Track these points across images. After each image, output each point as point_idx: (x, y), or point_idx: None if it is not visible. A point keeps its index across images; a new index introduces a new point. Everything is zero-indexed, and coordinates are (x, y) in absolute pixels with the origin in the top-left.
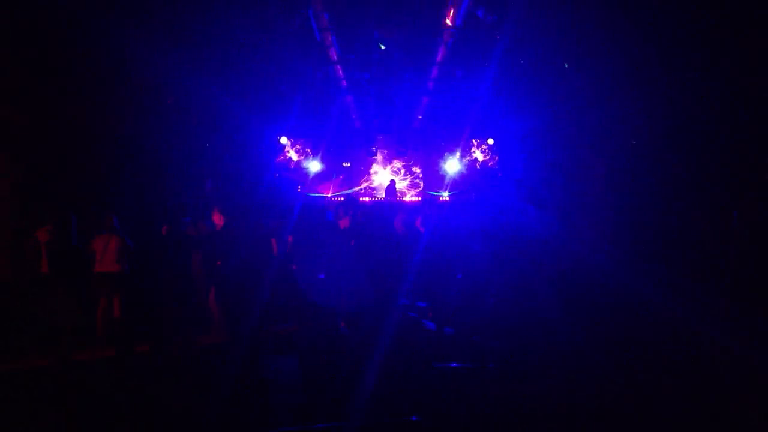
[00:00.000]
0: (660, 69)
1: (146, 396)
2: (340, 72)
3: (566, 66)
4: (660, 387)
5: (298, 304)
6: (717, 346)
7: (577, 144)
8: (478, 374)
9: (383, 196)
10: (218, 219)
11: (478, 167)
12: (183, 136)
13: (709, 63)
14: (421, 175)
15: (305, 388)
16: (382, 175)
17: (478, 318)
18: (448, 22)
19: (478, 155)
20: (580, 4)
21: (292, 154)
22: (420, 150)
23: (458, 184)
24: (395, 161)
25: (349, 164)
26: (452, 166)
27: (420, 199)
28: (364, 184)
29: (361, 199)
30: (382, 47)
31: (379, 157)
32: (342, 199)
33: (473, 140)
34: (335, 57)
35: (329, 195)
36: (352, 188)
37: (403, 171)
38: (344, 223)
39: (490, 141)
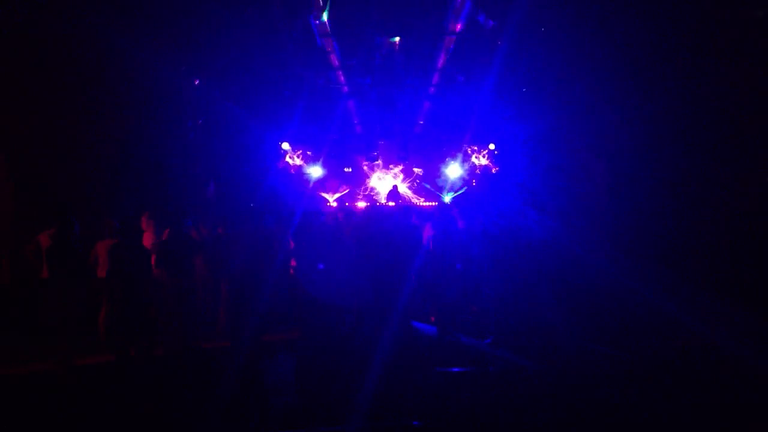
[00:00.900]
0: (661, 72)
1: (146, 400)
2: (342, 77)
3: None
4: (661, 390)
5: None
6: (718, 347)
7: (578, 147)
8: (480, 378)
9: (384, 201)
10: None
11: (479, 171)
12: (185, 141)
13: (709, 66)
14: (421, 180)
15: (306, 391)
16: (383, 180)
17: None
18: (450, 27)
19: (480, 159)
20: (580, 9)
21: (294, 159)
22: (421, 154)
23: (460, 188)
24: (397, 166)
25: (350, 169)
26: (453, 170)
27: (420, 202)
28: (366, 189)
29: (361, 204)
30: (396, 39)
31: (380, 162)
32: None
33: (474, 145)
34: (336, 63)
35: (331, 200)
36: (353, 193)
37: (405, 176)
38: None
39: (491, 146)
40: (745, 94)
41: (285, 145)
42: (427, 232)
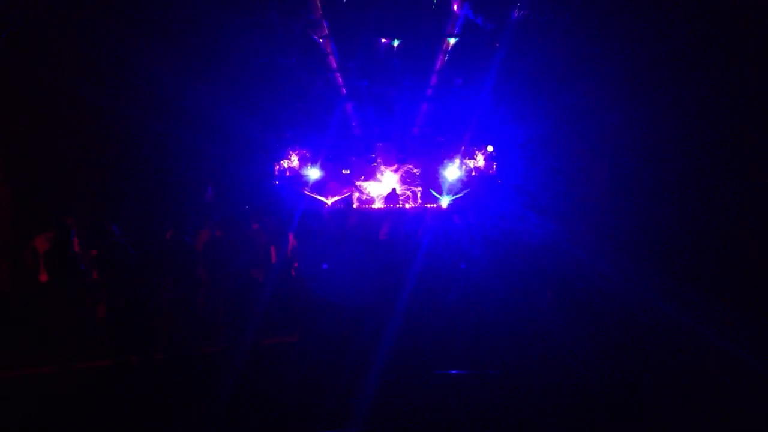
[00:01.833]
0: (660, 75)
1: (146, 404)
2: (340, 80)
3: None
4: (661, 392)
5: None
6: (718, 350)
7: (577, 150)
8: (479, 381)
9: (382, 203)
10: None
11: (478, 174)
12: (184, 144)
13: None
14: (420, 182)
15: (305, 394)
16: (382, 183)
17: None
18: (448, 29)
19: (478, 161)
20: (579, 11)
21: (293, 161)
22: (420, 157)
23: (458, 191)
24: (395, 168)
25: (348, 171)
26: (452, 172)
27: (419, 205)
28: (364, 191)
29: (358, 206)
30: (395, 43)
31: (378, 164)
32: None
33: (473, 147)
34: (335, 65)
35: (329, 202)
36: (351, 195)
37: (403, 178)
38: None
39: (490, 148)
40: (745, 96)
41: (283, 147)
42: (426, 235)
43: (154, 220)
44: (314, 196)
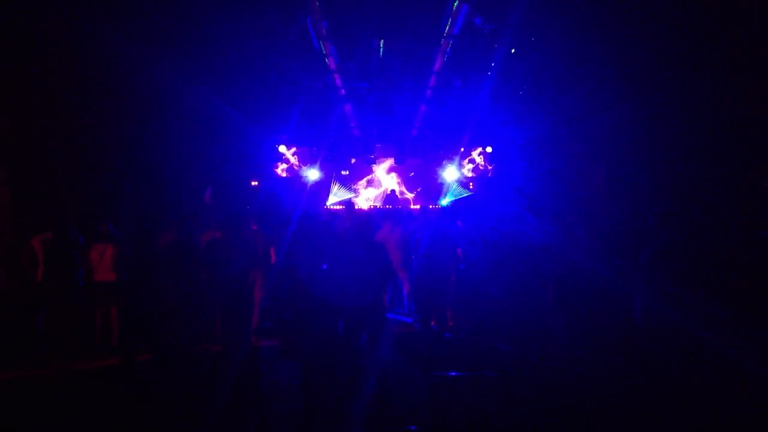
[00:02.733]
0: (658, 77)
1: (145, 405)
2: (339, 81)
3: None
4: (659, 393)
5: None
6: (716, 351)
7: (576, 152)
8: (477, 383)
9: (381, 204)
10: None
11: (476, 175)
12: (182, 144)
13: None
14: (418, 184)
15: (303, 396)
16: (381, 184)
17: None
18: (446, 30)
19: (477, 163)
20: (578, 13)
21: (291, 161)
22: (419, 158)
23: (457, 193)
24: (394, 169)
25: (347, 172)
26: (451, 174)
27: (418, 206)
28: (363, 193)
29: (358, 207)
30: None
31: (377, 165)
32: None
33: (472, 148)
34: (333, 66)
35: (328, 203)
36: (350, 196)
37: (401, 179)
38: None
39: (489, 149)
40: (742, 98)
41: (282, 148)
42: (425, 237)
43: (153, 221)
44: (313, 197)
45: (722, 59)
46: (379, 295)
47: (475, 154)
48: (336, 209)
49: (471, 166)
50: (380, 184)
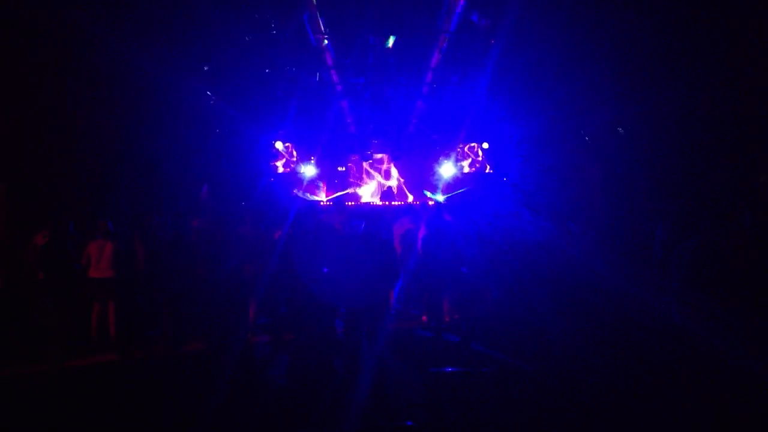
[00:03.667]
0: (655, 73)
1: (141, 401)
2: (335, 77)
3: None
4: (657, 390)
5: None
6: (714, 349)
7: (572, 148)
8: (473, 379)
9: (378, 201)
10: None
11: (473, 171)
12: (178, 141)
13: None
14: (415, 180)
15: (299, 393)
16: (377, 180)
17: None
18: (443, 26)
19: (474, 159)
20: (574, 9)
21: (288, 158)
22: (415, 154)
23: (453, 189)
24: (390, 166)
25: (344, 169)
26: (447, 170)
27: (414, 202)
28: (359, 189)
29: (354, 203)
30: (390, 40)
31: (374, 161)
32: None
33: (468, 144)
34: (330, 62)
35: (325, 199)
36: (346, 192)
37: (398, 175)
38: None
39: (485, 145)
40: (740, 94)
41: (278, 144)
42: (421, 233)
43: (150, 218)
44: (309, 193)
45: (720, 54)
46: (382, 291)
47: (471, 150)
48: (332, 206)
49: (467, 162)
50: (376, 180)
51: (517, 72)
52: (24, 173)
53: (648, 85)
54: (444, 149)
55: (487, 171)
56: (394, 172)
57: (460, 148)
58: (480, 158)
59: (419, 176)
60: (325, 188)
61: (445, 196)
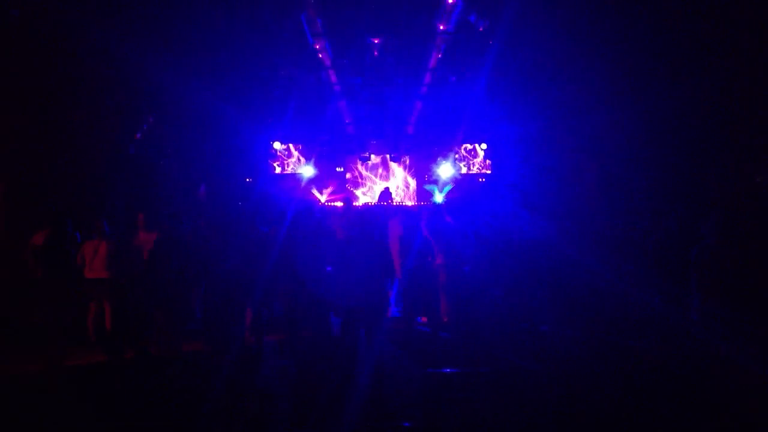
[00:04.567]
0: (652, 74)
1: (137, 402)
2: (333, 77)
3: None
4: (655, 390)
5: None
6: (710, 349)
7: (570, 148)
8: (471, 379)
9: (376, 201)
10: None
11: (471, 171)
12: (176, 141)
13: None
14: (413, 180)
15: (296, 394)
16: (375, 180)
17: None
18: (441, 27)
19: (472, 159)
20: (572, 9)
21: (286, 159)
22: (413, 154)
23: (452, 189)
24: (388, 166)
25: (342, 169)
26: (446, 170)
27: (412, 203)
28: (358, 190)
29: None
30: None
31: (372, 162)
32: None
33: (467, 145)
34: (328, 62)
35: (323, 199)
36: (344, 192)
37: (396, 176)
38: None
39: (484, 146)
40: (736, 95)
41: (276, 145)
42: (419, 233)
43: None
44: (307, 193)
45: (716, 55)
46: (379, 292)
47: (470, 150)
48: (330, 206)
49: (466, 162)
50: (374, 180)
51: (515, 72)
52: (22, 173)
53: (646, 85)
54: (442, 149)
55: (485, 171)
56: (392, 172)
57: (459, 148)
58: (479, 158)
59: (417, 176)
60: (323, 188)
61: (443, 197)
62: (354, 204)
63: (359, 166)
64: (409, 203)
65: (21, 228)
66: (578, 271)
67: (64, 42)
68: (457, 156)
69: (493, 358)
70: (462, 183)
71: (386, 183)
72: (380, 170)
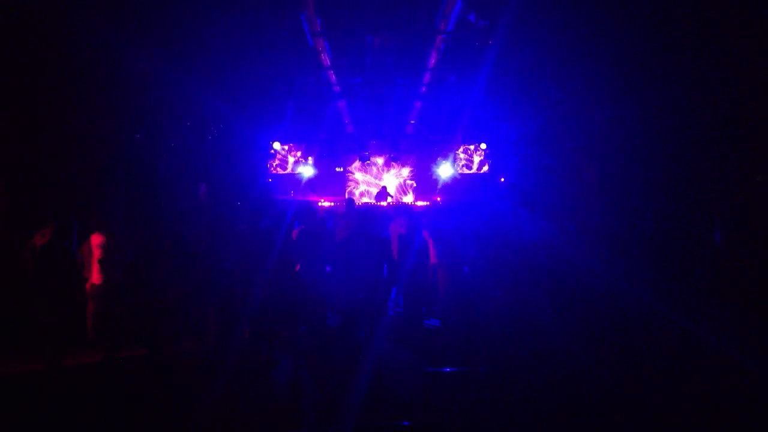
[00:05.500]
0: (652, 72)
1: (136, 401)
2: (333, 77)
3: None
4: (653, 389)
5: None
6: (709, 348)
7: (570, 148)
8: (470, 378)
9: (375, 201)
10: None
11: (471, 171)
12: (175, 141)
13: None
14: (413, 180)
15: (296, 393)
16: (375, 180)
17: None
18: (441, 26)
19: (472, 159)
20: (571, 8)
21: (285, 159)
22: (413, 154)
23: (451, 189)
24: (388, 166)
25: (342, 169)
26: (445, 170)
27: (412, 203)
28: (357, 189)
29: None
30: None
31: (371, 161)
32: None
33: (466, 144)
34: (327, 62)
35: (322, 200)
36: (343, 193)
37: (396, 176)
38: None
39: (483, 145)
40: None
41: (276, 145)
42: (419, 233)
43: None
44: (306, 193)
45: (716, 54)
46: (379, 291)
47: (469, 150)
48: (329, 206)
49: (465, 162)
50: (374, 180)
51: (514, 72)
52: (21, 173)
53: (645, 84)
54: (442, 149)
55: (485, 171)
56: (392, 172)
57: (458, 148)
58: (478, 158)
59: (417, 176)
60: (323, 188)
61: (443, 196)
62: (354, 204)
63: (359, 166)
64: (409, 203)
65: (21, 228)
66: (578, 270)
67: (64, 42)
68: (456, 155)
69: (492, 357)
70: (462, 183)
71: (385, 183)
72: (379, 170)
